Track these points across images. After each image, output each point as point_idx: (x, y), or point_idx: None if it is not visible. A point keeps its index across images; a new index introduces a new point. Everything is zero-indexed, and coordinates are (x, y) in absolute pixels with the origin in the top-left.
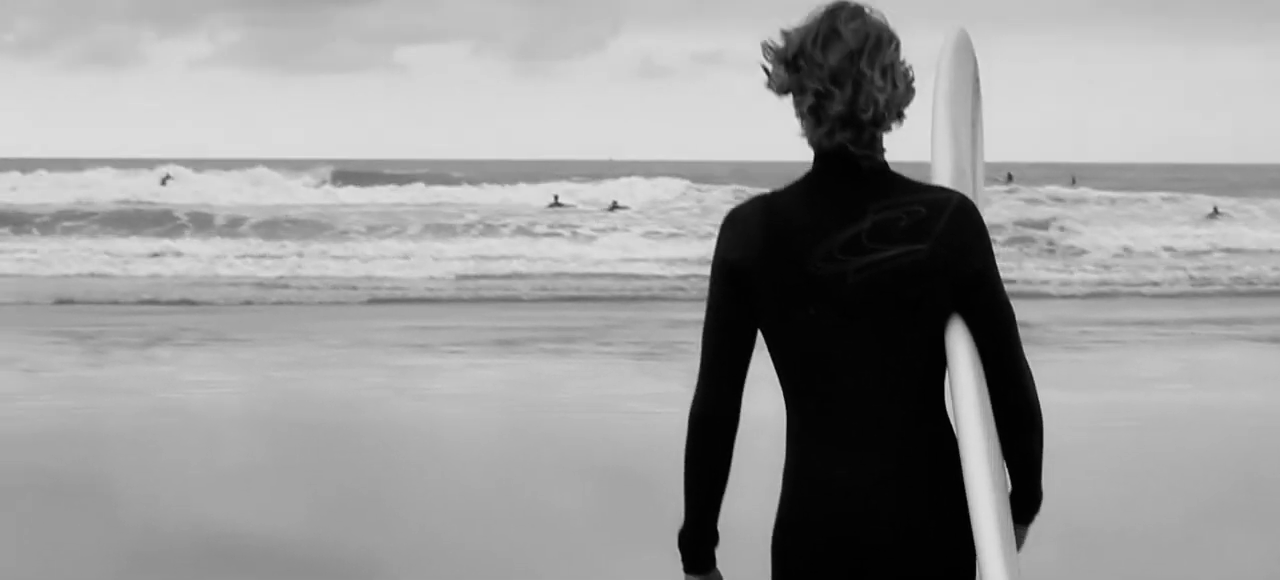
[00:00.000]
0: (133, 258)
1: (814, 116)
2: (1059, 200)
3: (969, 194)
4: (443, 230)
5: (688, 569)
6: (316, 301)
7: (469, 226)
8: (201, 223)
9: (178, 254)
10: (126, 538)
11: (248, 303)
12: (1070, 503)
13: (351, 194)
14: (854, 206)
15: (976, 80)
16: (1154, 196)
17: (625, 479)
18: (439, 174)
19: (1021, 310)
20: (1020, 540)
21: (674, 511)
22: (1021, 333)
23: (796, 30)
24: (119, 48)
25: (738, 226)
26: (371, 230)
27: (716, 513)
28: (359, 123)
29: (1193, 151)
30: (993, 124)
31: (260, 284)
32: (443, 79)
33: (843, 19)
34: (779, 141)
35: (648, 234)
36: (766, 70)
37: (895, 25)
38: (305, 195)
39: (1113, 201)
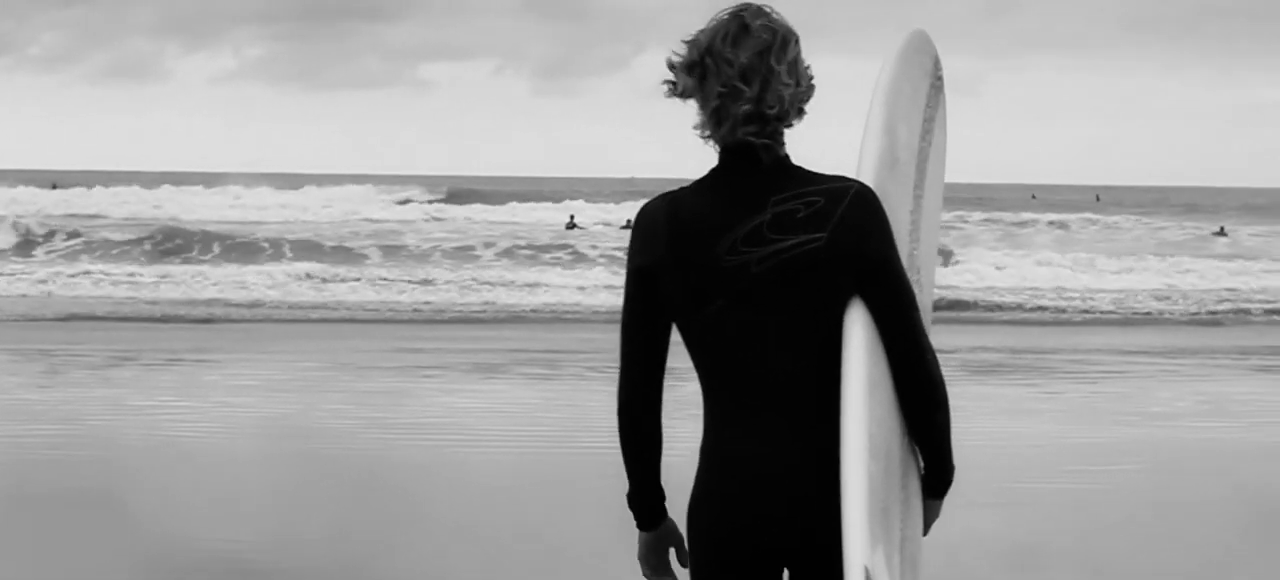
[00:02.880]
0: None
1: (717, 117)
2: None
3: (906, 185)
4: (458, 253)
5: (641, 526)
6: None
7: (485, 247)
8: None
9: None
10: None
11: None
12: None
13: (362, 209)
14: (755, 199)
15: (936, 79)
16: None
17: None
18: (464, 191)
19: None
20: (934, 515)
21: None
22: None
23: (703, 32)
24: (143, 62)
25: (645, 227)
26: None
27: (657, 475)
28: (383, 139)
29: (1217, 176)
30: (1019, 145)
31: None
32: (466, 96)
33: (750, 15)
34: (803, 154)
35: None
36: (671, 82)
37: (799, 28)
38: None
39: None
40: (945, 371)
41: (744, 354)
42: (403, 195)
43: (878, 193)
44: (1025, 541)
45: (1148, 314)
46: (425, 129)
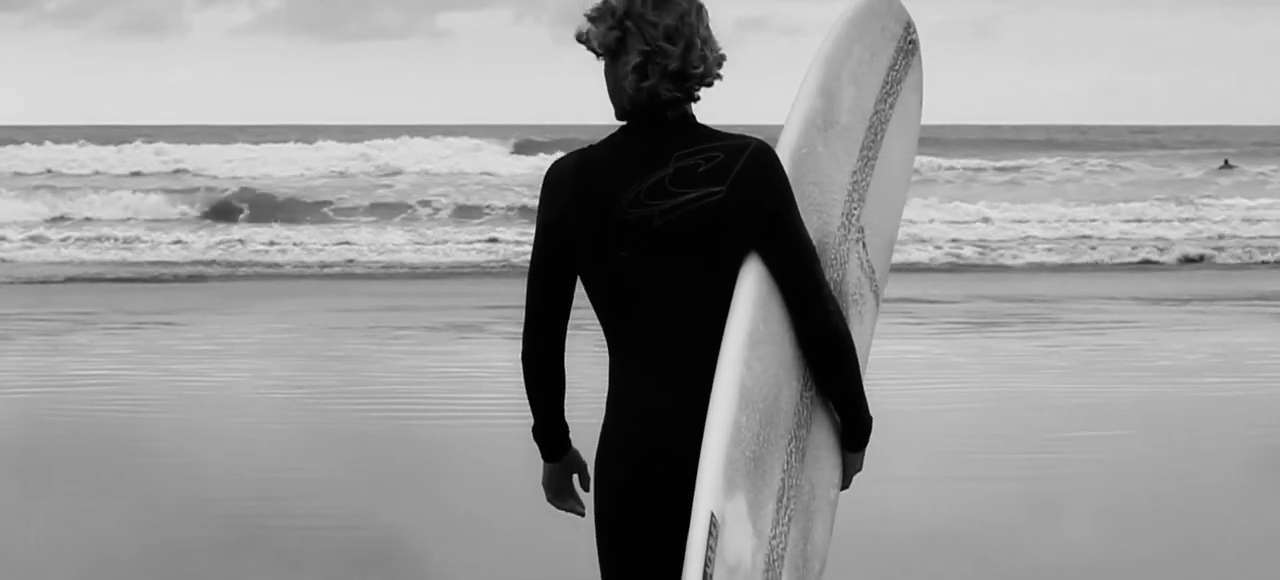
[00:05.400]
0: None
1: (639, 73)
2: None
3: (848, 146)
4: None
5: (546, 457)
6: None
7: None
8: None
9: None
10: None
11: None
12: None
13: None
14: (658, 153)
15: (907, 43)
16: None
17: None
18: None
19: None
20: (855, 468)
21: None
22: None
23: None
24: (160, 15)
25: (554, 180)
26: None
27: (561, 411)
28: (403, 90)
29: (1235, 114)
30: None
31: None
32: (486, 45)
33: None
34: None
35: None
36: (587, 35)
37: None
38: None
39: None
40: (943, 323)
41: (646, 304)
42: (471, 145)
43: (802, 152)
44: (1028, 520)
45: (1146, 262)
46: (448, 79)
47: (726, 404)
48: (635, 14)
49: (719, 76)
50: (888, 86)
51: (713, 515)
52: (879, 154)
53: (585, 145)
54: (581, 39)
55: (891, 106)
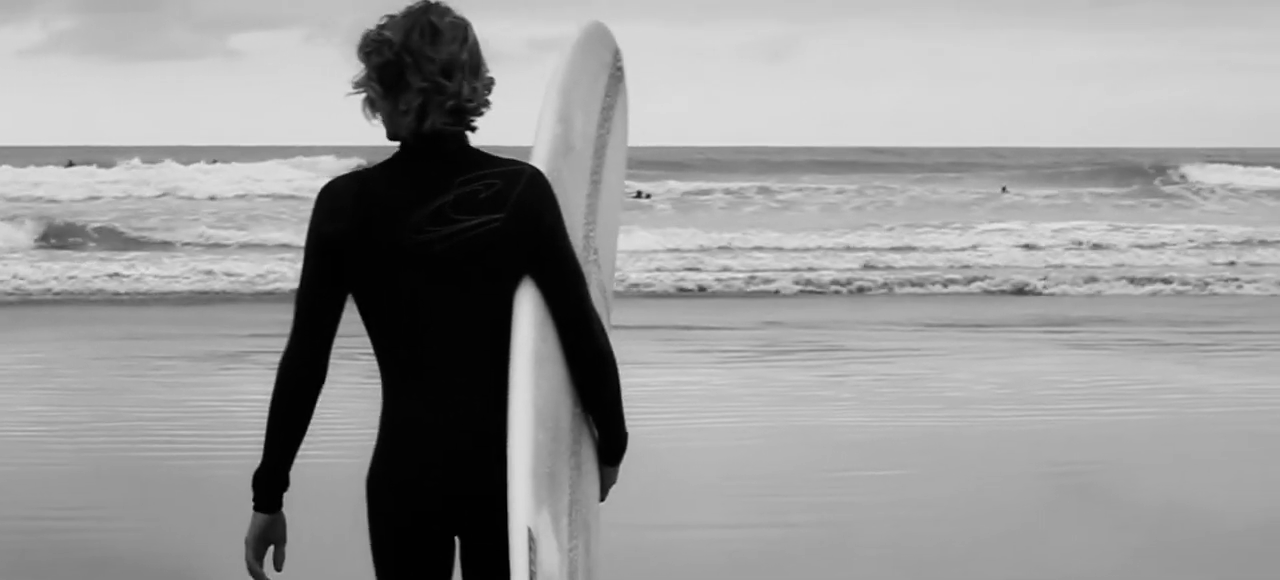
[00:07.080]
0: None
1: (421, 112)
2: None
3: (581, 171)
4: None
5: (258, 507)
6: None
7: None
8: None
9: None
10: None
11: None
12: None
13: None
14: (440, 181)
15: (616, 69)
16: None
17: None
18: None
19: None
20: (610, 481)
21: None
22: None
23: (389, 28)
24: None
25: (332, 200)
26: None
27: (290, 461)
28: (196, 110)
29: (1021, 136)
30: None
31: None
32: (278, 66)
33: (438, 14)
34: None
35: None
36: (371, 76)
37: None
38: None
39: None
40: (721, 352)
41: (425, 328)
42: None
43: (551, 177)
44: (812, 566)
45: (924, 289)
46: (239, 99)
47: (526, 422)
48: (413, 48)
49: (488, 103)
50: (604, 112)
51: (530, 530)
52: (602, 178)
53: (361, 167)
54: (359, 84)
55: (608, 131)
